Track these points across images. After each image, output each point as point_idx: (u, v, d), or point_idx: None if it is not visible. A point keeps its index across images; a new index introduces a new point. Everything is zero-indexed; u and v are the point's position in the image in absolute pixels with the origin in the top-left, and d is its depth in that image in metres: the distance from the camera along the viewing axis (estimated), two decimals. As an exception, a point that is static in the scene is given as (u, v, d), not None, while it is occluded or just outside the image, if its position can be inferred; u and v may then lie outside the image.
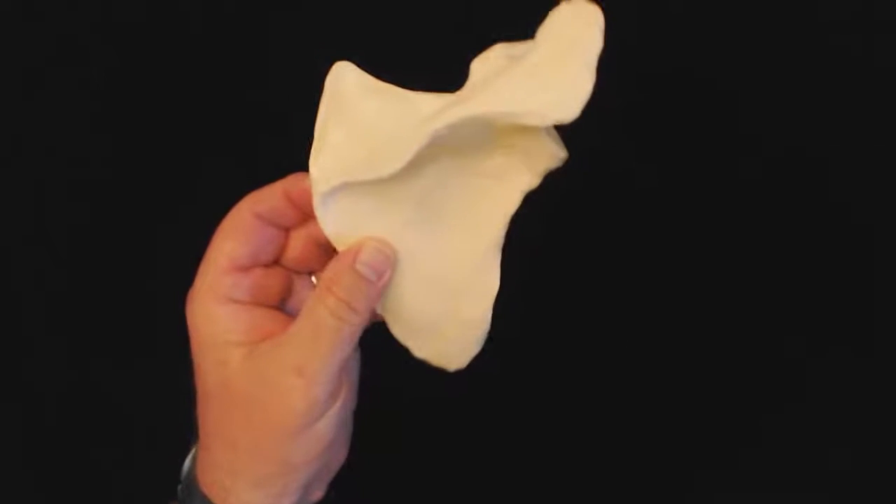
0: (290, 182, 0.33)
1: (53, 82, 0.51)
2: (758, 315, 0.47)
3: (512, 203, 0.32)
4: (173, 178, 0.50)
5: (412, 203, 0.32)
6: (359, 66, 0.33)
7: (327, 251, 0.33)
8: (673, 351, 0.47)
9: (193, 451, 0.35)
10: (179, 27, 0.51)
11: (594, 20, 0.29)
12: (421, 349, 0.34)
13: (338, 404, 0.32)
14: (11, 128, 0.51)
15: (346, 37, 0.49)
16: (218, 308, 0.33)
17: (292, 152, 0.48)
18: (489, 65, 0.32)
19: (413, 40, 0.48)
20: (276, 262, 0.35)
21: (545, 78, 0.29)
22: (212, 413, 0.33)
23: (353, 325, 0.31)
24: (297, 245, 0.35)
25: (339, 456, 0.35)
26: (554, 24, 0.30)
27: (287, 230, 0.35)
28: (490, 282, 0.33)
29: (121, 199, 0.50)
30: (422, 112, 0.32)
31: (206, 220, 0.49)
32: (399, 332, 0.34)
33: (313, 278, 0.36)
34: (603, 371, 0.47)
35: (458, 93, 0.32)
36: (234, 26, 0.50)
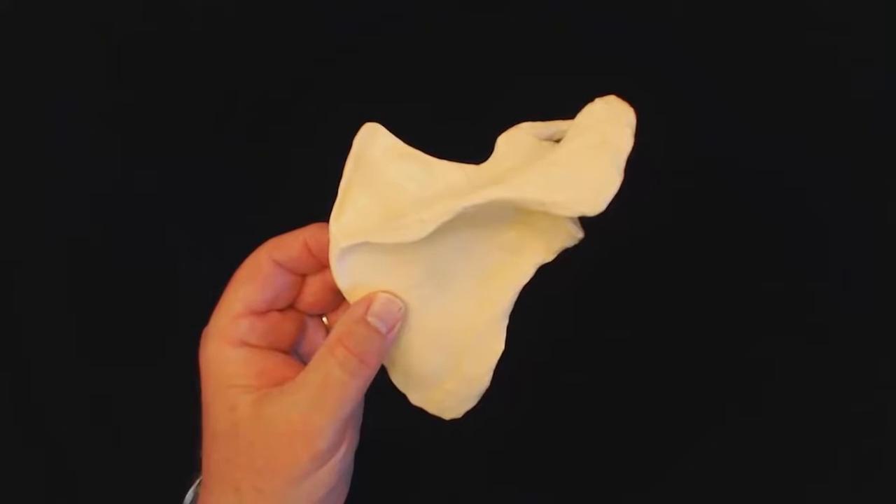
0: (311, 233, 0.34)
1: (54, 83, 0.50)
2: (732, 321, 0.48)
3: (524, 275, 0.33)
4: (175, 176, 0.50)
5: (425, 265, 0.33)
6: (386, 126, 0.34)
7: (342, 296, 0.34)
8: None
9: (195, 486, 0.36)
10: (183, 36, 0.51)
11: (627, 120, 0.30)
12: (418, 398, 0.36)
13: (340, 453, 0.33)
14: (12, 128, 0.50)
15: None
16: (231, 351, 0.33)
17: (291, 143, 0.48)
18: (515, 142, 0.33)
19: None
20: (290, 306, 0.36)
21: (576, 172, 0.30)
22: (217, 455, 0.33)
23: (362, 379, 0.32)
24: (313, 290, 0.35)
25: (340, 499, 0.35)
26: (587, 119, 0.31)
27: (303, 276, 0.35)
28: (495, 345, 0.34)
29: (122, 199, 0.50)
30: (446, 181, 0.33)
31: (207, 218, 0.49)
32: (398, 379, 0.36)
33: (324, 319, 0.37)
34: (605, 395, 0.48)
35: (482, 165, 0.33)
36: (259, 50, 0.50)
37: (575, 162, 0.30)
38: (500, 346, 0.34)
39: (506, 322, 0.34)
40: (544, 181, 0.30)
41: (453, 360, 0.35)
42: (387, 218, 0.33)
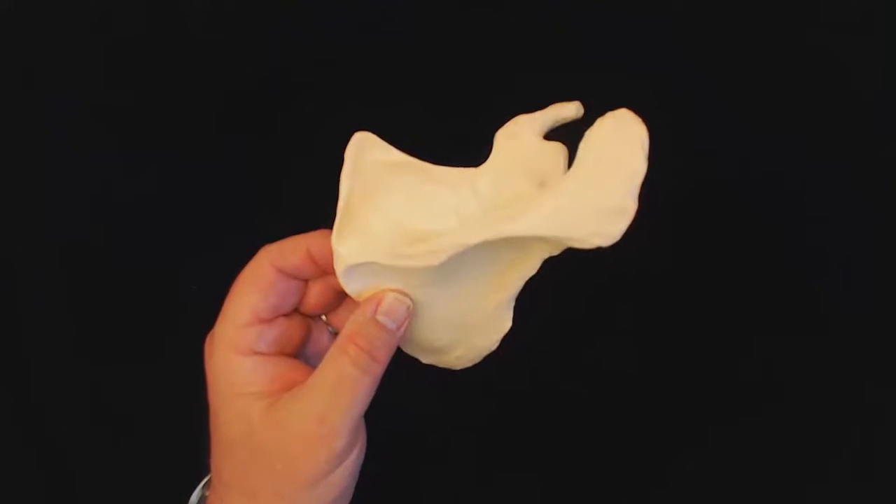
0: (314, 242, 0.34)
1: (54, 83, 0.50)
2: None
3: (530, 268, 0.33)
4: (175, 176, 0.50)
5: (433, 268, 0.33)
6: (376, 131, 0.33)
7: (345, 295, 0.34)
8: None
9: (201, 487, 0.36)
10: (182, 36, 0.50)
11: (639, 141, 0.30)
12: (429, 360, 0.36)
13: (354, 453, 0.33)
14: (12, 128, 0.50)
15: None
16: (240, 360, 0.33)
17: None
18: (514, 138, 0.33)
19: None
20: (295, 309, 0.36)
21: (590, 203, 0.30)
22: (231, 462, 0.33)
23: (374, 375, 0.32)
24: (316, 294, 0.36)
25: (346, 501, 0.35)
26: (598, 139, 0.30)
27: (306, 281, 0.35)
28: (503, 324, 0.34)
29: (122, 199, 0.50)
30: (447, 191, 0.33)
31: (207, 218, 0.49)
32: (409, 349, 0.36)
33: (323, 317, 0.37)
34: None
35: (483, 166, 0.33)
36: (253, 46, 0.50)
37: (588, 191, 0.30)
38: (507, 324, 0.34)
39: (512, 304, 0.34)
40: (559, 216, 0.30)
41: (462, 335, 0.35)
42: (391, 233, 0.33)
